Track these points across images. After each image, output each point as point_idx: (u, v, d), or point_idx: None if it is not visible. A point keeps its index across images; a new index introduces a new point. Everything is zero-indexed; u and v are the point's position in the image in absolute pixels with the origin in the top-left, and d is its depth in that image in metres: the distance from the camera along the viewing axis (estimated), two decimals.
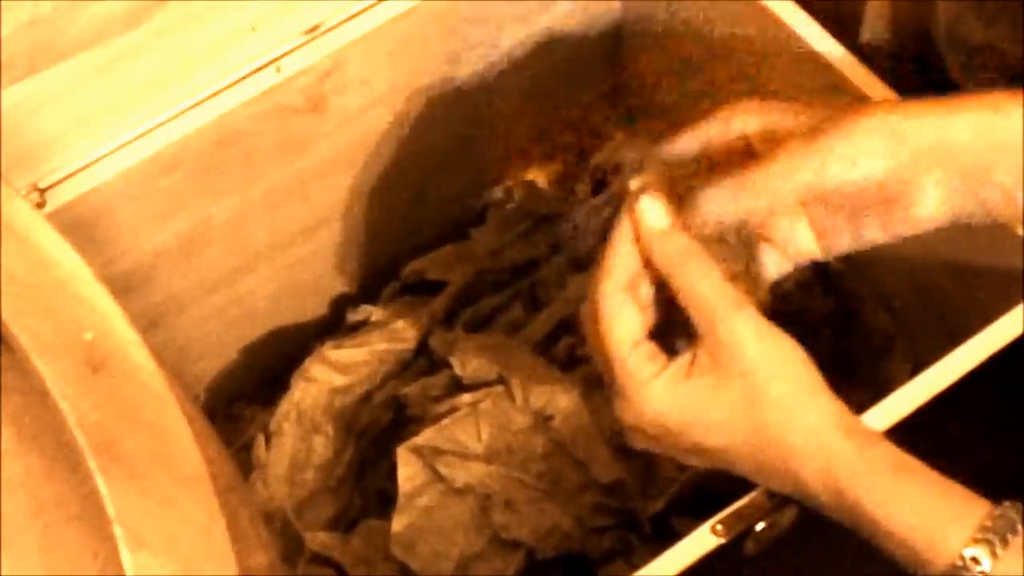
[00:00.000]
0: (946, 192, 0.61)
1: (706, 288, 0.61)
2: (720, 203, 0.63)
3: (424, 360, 0.91)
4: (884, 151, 0.61)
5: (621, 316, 0.62)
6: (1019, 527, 0.56)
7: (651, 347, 0.63)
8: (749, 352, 0.60)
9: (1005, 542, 0.55)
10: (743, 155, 0.66)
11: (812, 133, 0.61)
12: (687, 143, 0.68)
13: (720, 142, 0.67)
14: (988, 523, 0.56)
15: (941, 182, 0.61)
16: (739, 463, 0.62)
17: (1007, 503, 0.56)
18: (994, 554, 0.55)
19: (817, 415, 0.60)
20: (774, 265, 0.66)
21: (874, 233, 0.63)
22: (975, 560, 0.55)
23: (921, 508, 0.57)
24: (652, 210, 0.63)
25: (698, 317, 0.61)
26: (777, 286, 0.87)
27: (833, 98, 0.79)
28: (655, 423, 0.62)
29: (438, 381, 0.87)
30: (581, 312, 0.65)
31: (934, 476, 0.58)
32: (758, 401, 0.60)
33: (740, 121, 0.66)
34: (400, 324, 0.90)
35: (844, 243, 0.64)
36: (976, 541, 0.55)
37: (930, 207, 0.62)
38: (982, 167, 0.60)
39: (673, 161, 0.67)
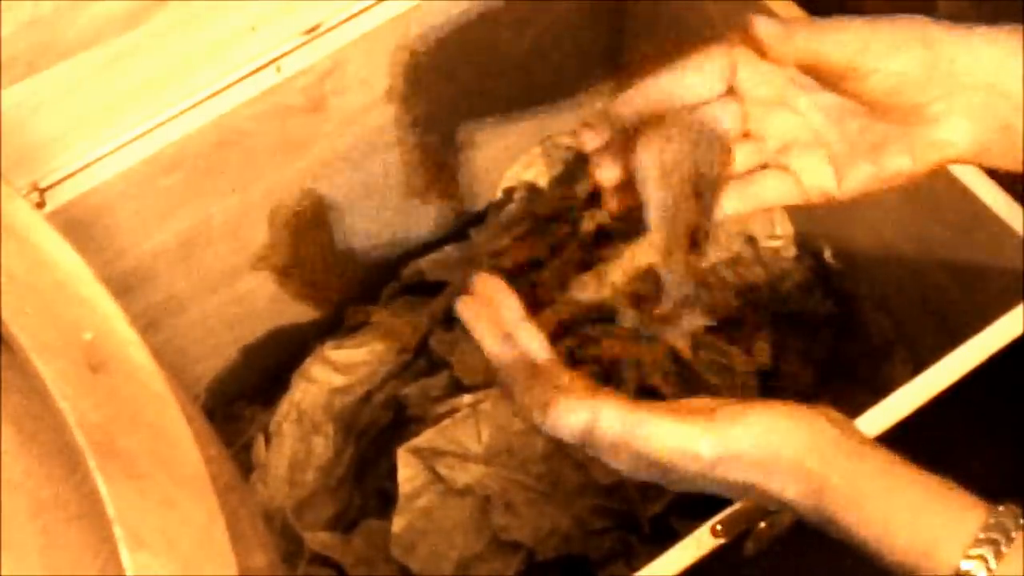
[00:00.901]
0: (970, 118, 0.61)
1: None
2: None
3: (424, 360, 0.91)
4: (919, 54, 0.60)
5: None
6: (1014, 534, 0.55)
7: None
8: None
9: (1000, 554, 0.55)
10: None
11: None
12: (650, 93, 0.65)
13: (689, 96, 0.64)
14: (982, 535, 0.55)
15: (966, 106, 0.61)
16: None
17: (1002, 508, 0.56)
18: (989, 570, 0.54)
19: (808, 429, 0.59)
20: (785, 194, 0.65)
21: (898, 160, 0.62)
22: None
23: (913, 521, 0.56)
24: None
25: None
26: (777, 287, 0.87)
27: None
28: None
29: (438, 381, 0.87)
30: None
31: (924, 482, 0.57)
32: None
33: (716, 67, 0.63)
34: (400, 324, 0.90)
35: (862, 175, 0.63)
36: (970, 557, 0.55)
37: (954, 130, 0.61)
38: (1005, 102, 0.60)
39: (632, 119, 0.64)
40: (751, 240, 0.87)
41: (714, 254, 0.84)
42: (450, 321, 0.92)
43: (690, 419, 0.59)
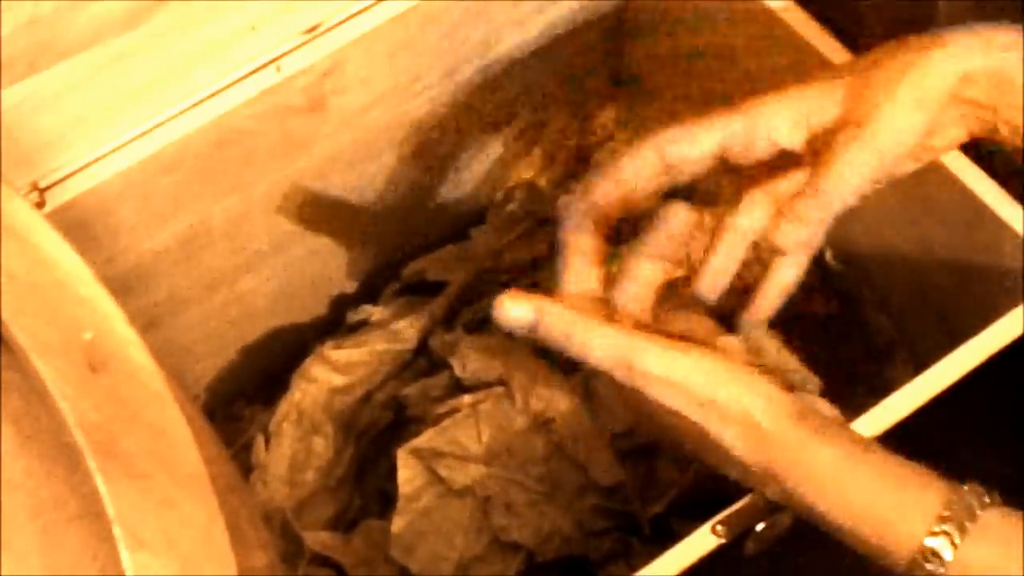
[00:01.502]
0: (963, 124, 0.64)
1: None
2: (794, 232, 0.64)
3: (424, 360, 0.90)
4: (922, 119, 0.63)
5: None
6: (978, 512, 0.55)
7: None
8: None
9: (964, 531, 0.55)
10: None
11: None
12: (700, 139, 0.65)
13: (742, 144, 0.64)
14: (946, 512, 0.55)
15: (960, 115, 0.64)
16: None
17: (965, 487, 0.56)
18: (953, 544, 0.55)
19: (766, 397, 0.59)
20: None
21: (904, 166, 0.65)
22: (935, 553, 0.55)
23: (873, 495, 0.57)
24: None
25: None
26: None
27: None
28: None
29: (438, 382, 0.87)
30: None
31: (883, 456, 0.58)
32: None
33: (767, 119, 0.64)
34: (400, 324, 0.90)
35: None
36: (934, 534, 0.55)
37: (950, 136, 0.65)
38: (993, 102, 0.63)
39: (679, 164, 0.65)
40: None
41: None
42: (450, 321, 0.92)
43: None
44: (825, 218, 0.64)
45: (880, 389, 0.71)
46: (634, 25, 0.96)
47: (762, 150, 0.65)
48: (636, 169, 0.65)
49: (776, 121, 0.64)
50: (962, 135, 0.65)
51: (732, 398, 0.59)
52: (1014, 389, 0.74)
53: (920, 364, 0.71)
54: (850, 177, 0.63)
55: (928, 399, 0.68)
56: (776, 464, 0.58)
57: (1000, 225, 0.75)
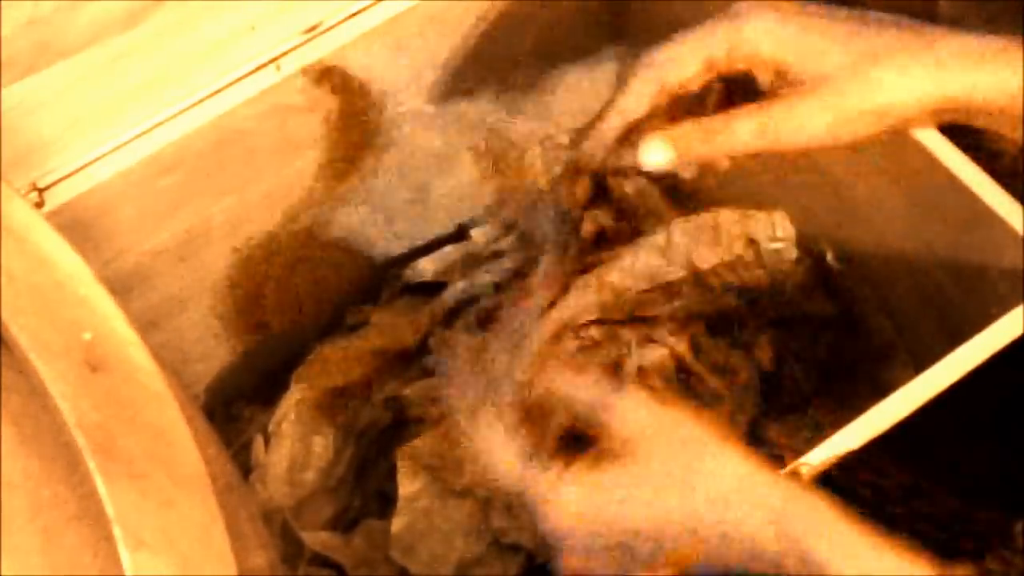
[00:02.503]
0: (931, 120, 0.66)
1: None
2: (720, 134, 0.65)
3: (424, 360, 0.90)
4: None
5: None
6: None
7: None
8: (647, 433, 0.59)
9: None
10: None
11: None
12: (684, 56, 0.66)
13: (725, 61, 0.66)
14: None
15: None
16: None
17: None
18: None
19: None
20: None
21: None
22: None
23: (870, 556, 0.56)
24: None
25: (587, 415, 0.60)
26: (779, 289, 0.87)
27: None
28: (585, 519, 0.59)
29: (438, 382, 0.87)
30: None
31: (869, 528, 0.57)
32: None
33: (752, 31, 0.65)
34: (400, 324, 0.90)
35: None
36: None
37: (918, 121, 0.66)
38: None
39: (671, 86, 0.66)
40: (752, 242, 0.87)
41: (716, 255, 0.84)
42: (450, 321, 0.91)
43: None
44: (744, 148, 0.65)
45: (880, 390, 0.71)
46: (635, 26, 0.96)
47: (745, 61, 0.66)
48: (636, 101, 0.67)
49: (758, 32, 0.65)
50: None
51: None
52: (1013, 389, 0.74)
53: (920, 364, 0.71)
54: (800, 126, 0.64)
55: (928, 399, 0.68)
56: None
57: (1000, 225, 0.75)
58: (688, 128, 0.65)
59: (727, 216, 0.84)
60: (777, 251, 0.87)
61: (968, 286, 0.79)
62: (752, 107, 0.65)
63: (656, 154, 0.65)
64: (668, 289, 0.83)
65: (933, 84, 0.63)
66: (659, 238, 0.83)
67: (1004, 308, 0.71)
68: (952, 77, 0.63)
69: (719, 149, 0.65)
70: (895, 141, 0.78)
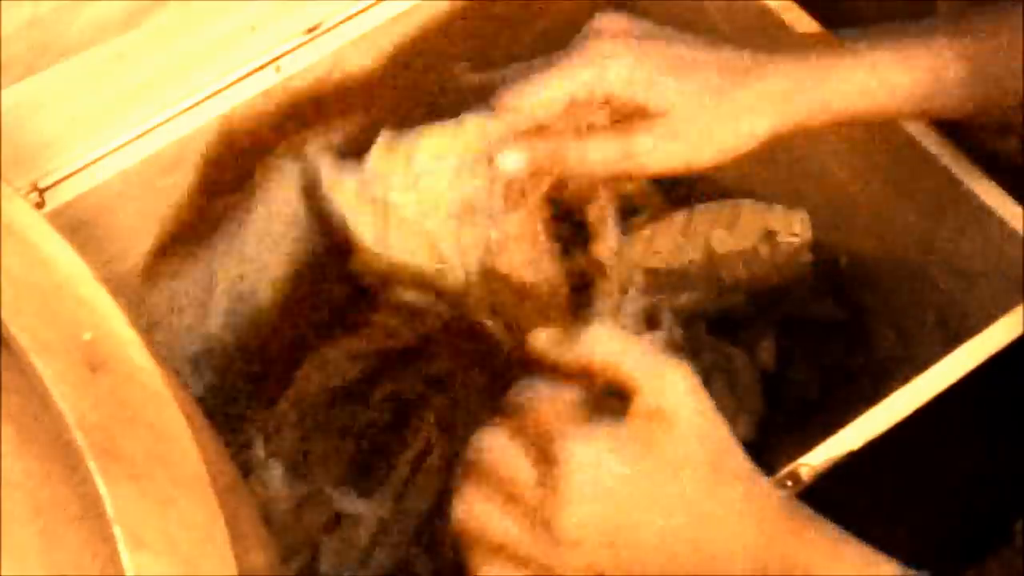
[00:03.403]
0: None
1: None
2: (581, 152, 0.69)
3: (424, 360, 0.90)
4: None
5: None
6: None
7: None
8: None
9: None
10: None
11: None
12: (549, 102, 0.70)
13: (586, 100, 0.69)
14: None
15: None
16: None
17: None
18: None
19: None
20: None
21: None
22: None
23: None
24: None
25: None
26: (789, 291, 0.87)
27: None
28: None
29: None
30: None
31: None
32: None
33: (615, 75, 0.69)
34: (400, 324, 0.90)
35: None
36: None
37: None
38: None
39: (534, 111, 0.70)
40: (770, 235, 0.86)
41: (733, 239, 0.84)
42: None
43: None
44: (601, 171, 0.70)
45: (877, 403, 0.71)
46: None
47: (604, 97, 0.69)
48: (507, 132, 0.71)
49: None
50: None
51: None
52: (1013, 389, 0.74)
53: (919, 364, 0.71)
54: (649, 157, 0.69)
55: (928, 399, 0.68)
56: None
57: (1000, 225, 0.75)
58: (546, 146, 0.70)
59: (749, 206, 0.84)
60: (793, 249, 0.86)
61: (968, 286, 0.79)
62: (608, 134, 0.69)
63: (510, 162, 0.70)
64: (680, 276, 0.83)
65: (767, 119, 0.69)
66: (679, 217, 0.84)
67: (1004, 308, 0.71)
68: (784, 109, 0.68)
69: (572, 170, 0.70)
70: (895, 141, 0.78)
